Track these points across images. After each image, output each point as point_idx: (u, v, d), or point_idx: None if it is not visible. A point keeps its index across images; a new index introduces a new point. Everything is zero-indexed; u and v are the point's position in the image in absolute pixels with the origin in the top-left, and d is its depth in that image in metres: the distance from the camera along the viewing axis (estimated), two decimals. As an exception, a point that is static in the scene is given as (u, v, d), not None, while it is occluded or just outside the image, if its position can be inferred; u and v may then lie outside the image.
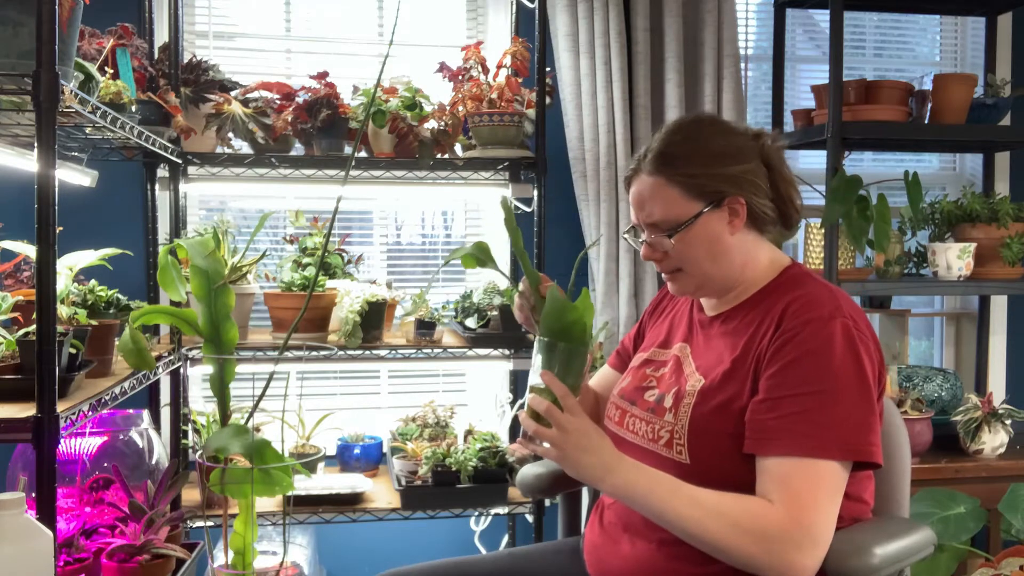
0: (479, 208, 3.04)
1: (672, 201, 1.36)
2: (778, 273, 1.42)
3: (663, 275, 1.46)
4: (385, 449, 2.71)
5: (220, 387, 1.25)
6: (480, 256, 1.36)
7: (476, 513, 2.73)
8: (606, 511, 1.48)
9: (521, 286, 1.45)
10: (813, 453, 1.23)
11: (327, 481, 2.49)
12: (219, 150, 2.50)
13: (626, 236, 1.51)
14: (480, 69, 2.58)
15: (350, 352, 2.42)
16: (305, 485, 2.41)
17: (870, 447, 1.26)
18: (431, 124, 2.53)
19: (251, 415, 1.24)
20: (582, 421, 1.27)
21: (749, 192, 1.37)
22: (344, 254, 2.62)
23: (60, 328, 1.45)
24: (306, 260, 2.47)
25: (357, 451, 2.66)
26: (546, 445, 1.28)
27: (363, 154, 2.53)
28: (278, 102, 2.48)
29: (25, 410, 1.36)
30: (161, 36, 2.54)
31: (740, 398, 1.30)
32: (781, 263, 1.44)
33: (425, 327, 2.47)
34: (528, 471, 1.76)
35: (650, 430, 1.39)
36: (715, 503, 1.24)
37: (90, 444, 1.93)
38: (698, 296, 1.49)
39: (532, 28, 2.54)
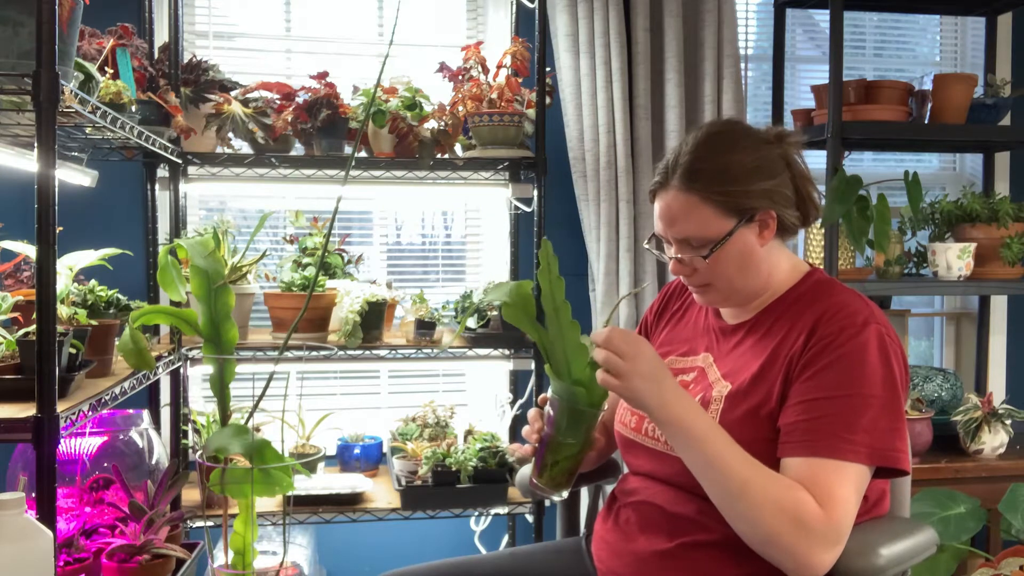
0: (479, 208, 3.04)
1: (706, 219, 1.35)
2: (801, 278, 1.43)
3: (691, 288, 1.45)
4: (385, 449, 2.71)
5: (220, 387, 1.25)
6: (517, 309, 1.27)
7: (476, 513, 2.73)
8: (623, 509, 1.47)
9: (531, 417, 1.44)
10: (843, 455, 1.24)
11: (327, 481, 2.49)
12: (219, 150, 2.49)
13: (648, 246, 1.49)
14: (480, 69, 2.58)
15: (350, 352, 2.42)
16: (305, 485, 2.41)
17: (897, 453, 1.27)
18: (431, 124, 2.52)
19: (251, 415, 1.24)
20: (640, 345, 1.26)
21: (780, 205, 1.37)
22: (344, 254, 2.62)
23: (60, 328, 1.45)
24: (306, 260, 2.47)
25: (357, 451, 2.66)
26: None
27: (363, 154, 2.53)
28: (278, 102, 2.48)
29: (25, 410, 1.36)
30: (161, 36, 2.54)
31: (768, 402, 1.31)
32: (802, 268, 1.45)
33: (425, 327, 2.47)
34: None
35: None
36: (765, 472, 1.24)
37: (90, 444, 1.93)
38: (726, 307, 1.48)
39: (532, 28, 2.54)
